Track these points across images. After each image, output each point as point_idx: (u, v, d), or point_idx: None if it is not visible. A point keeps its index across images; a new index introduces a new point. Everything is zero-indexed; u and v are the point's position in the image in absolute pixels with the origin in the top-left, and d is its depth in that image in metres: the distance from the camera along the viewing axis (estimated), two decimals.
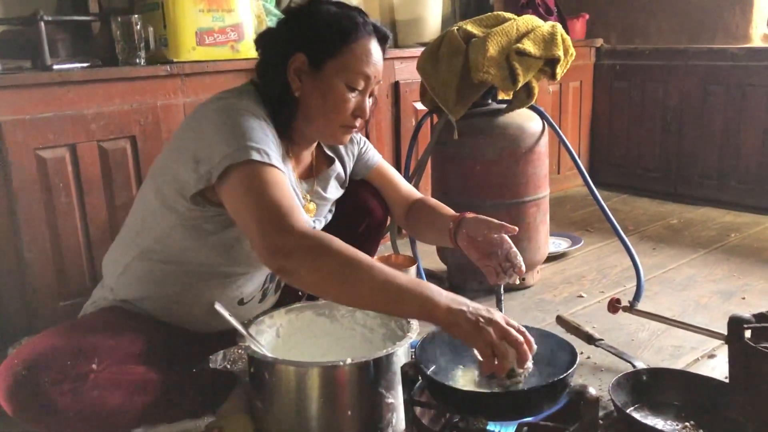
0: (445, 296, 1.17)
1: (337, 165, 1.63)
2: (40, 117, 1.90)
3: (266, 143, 1.28)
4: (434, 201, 1.71)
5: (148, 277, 1.47)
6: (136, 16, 2.12)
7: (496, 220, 1.51)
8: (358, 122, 1.45)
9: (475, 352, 1.18)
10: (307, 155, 1.57)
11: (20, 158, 1.87)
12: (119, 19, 2.09)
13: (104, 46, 2.20)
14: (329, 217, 1.63)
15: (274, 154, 1.28)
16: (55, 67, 1.98)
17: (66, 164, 1.96)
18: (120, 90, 2.04)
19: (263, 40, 1.47)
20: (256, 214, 1.21)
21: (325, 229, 1.63)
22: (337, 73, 1.38)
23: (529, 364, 1.20)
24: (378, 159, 1.75)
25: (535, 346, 1.20)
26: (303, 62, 1.38)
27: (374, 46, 1.42)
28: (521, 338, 1.16)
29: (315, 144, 1.58)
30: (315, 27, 1.40)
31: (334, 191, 1.63)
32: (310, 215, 1.53)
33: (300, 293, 1.79)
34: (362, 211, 1.70)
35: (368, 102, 1.45)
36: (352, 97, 1.41)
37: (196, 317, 1.52)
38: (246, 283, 1.52)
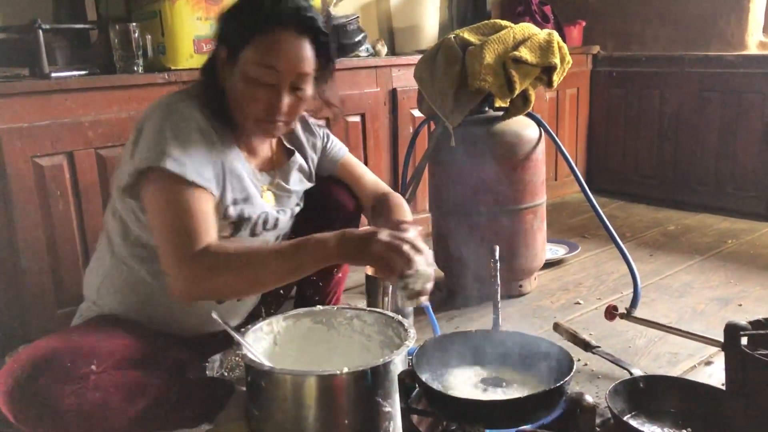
0: (332, 235, 1.26)
1: (298, 157, 1.61)
2: (37, 125, 1.90)
3: (188, 152, 1.31)
4: (396, 200, 1.67)
5: (126, 283, 1.48)
6: (134, 24, 2.12)
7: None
8: (279, 116, 1.39)
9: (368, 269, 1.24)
10: (264, 146, 1.55)
11: (18, 166, 1.87)
12: (117, 27, 2.10)
13: (102, 54, 2.21)
14: (296, 209, 1.61)
15: (193, 164, 1.31)
16: (53, 75, 1.98)
17: (63, 172, 1.96)
18: (118, 98, 2.04)
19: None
20: (161, 244, 1.31)
21: (298, 229, 1.63)
22: (246, 65, 1.35)
23: (422, 267, 1.28)
24: (344, 153, 1.72)
25: (422, 246, 1.27)
26: (224, 54, 1.39)
27: (289, 37, 1.34)
28: (403, 244, 1.23)
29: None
30: (231, 17, 1.40)
31: (298, 183, 1.61)
32: (269, 204, 1.52)
33: (281, 292, 1.79)
34: (334, 207, 1.68)
35: (290, 97, 1.38)
36: (263, 91, 1.36)
37: (179, 321, 1.53)
38: None
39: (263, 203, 1.51)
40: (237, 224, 1.46)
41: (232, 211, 1.43)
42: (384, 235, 1.26)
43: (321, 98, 1.52)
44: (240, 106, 1.39)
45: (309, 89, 1.43)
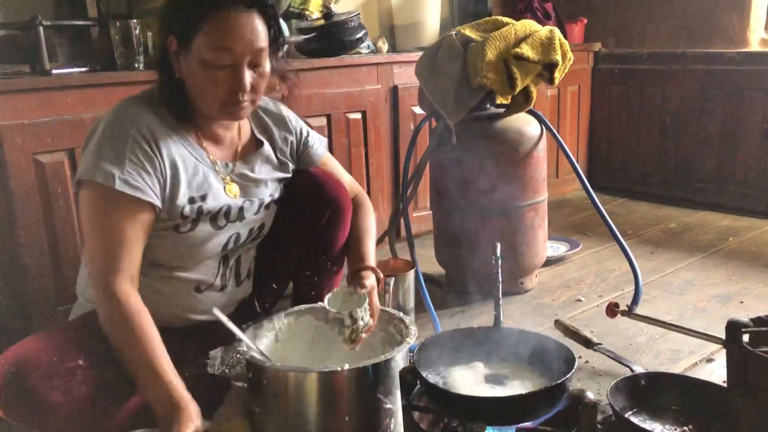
0: (163, 396, 1.27)
1: (267, 147, 1.59)
2: (38, 122, 1.90)
3: (124, 162, 1.32)
4: (363, 210, 1.72)
5: None
6: (135, 20, 2.12)
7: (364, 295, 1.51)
8: (244, 96, 1.38)
9: None
10: (229, 135, 1.53)
11: (18, 163, 1.87)
12: (118, 24, 2.09)
13: (103, 51, 2.20)
14: (267, 199, 1.58)
15: (127, 174, 1.32)
16: (54, 71, 1.98)
17: (64, 169, 1.96)
18: (119, 94, 2.01)
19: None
20: (87, 259, 1.38)
21: (289, 226, 1.65)
22: (200, 49, 1.33)
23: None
24: (323, 151, 1.72)
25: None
26: (174, 45, 1.37)
27: (237, 16, 1.33)
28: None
29: (234, 124, 1.54)
30: (174, 7, 1.38)
31: (266, 172, 1.59)
32: (232, 196, 1.50)
33: (275, 286, 1.78)
34: (323, 204, 1.65)
35: (251, 74, 1.37)
36: (222, 74, 1.34)
37: (163, 312, 1.51)
38: (195, 269, 1.51)
39: (225, 196, 1.49)
40: (195, 219, 1.45)
41: (188, 210, 1.42)
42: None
43: (275, 71, 1.48)
44: (201, 93, 1.38)
45: (267, 64, 1.41)
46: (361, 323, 1.47)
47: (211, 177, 1.47)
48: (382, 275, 1.58)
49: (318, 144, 1.70)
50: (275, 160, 1.61)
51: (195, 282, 1.53)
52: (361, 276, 1.54)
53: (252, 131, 1.59)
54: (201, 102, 1.40)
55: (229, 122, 1.51)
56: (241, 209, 1.52)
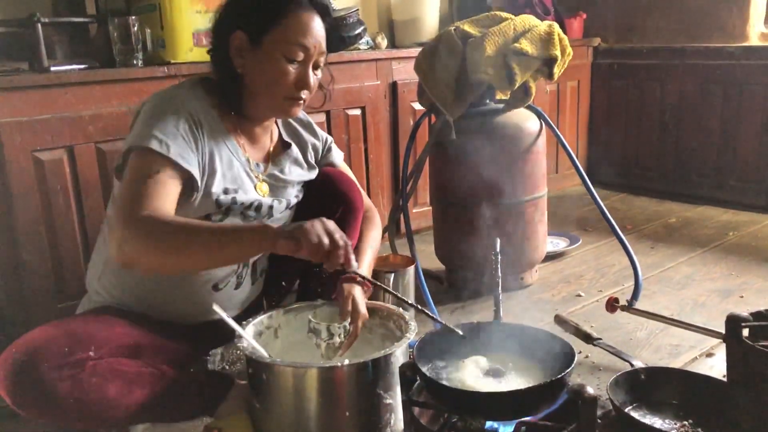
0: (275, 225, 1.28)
1: (294, 149, 1.66)
2: (37, 119, 1.90)
3: (173, 136, 1.34)
4: (371, 223, 1.75)
5: (125, 271, 1.49)
6: (133, 17, 2.12)
7: (347, 310, 1.54)
8: (304, 94, 1.47)
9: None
10: (264, 137, 1.59)
11: (18, 160, 1.87)
12: (116, 21, 2.09)
13: (101, 48, 2.20)
14: (293, 201, 1.64)
15: (176, 148, 1.33)
16: (53, 68, 1.98)
17: (64, 166, 1.96)
18: (117, 91, 2.04)
19: (213, 27, 1.52)
20: (116, 207, 1.32)
21: (302, 217, 1.64)
22: (275, 45, 1.41)
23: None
24: (338, 161, 1.78)
25: (352, 258, 1.31)
26: (243, 40, 1.43)
27: (311, 17, 1.44)
28: (339, 244, 1.26)
29: (271, 126, 1.61)
30: (250, 4, 1.44)
31: (295, 174, 1.64)
32: (262, 194, 1.55)
33: (283, 284, 1.80)
34: (338, 199, 1.70)
35: (313, 75, 1.47)
36: (292, 69, 1.43)
37: (178, 308, 1.55)
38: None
39: (256, 193, 1.54)
40: (227, 210, 1.48)
41: (223, 199, 1.46)
42: (322, 228, 1.26)
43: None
44: (266, 87, 1.44)
45: (321, 70, 1.51)
46: (336, 339, 1.54)
47: (243, 174, 1.51)
48: (370, 287, 1.62)
49: (336, 152, 1.78)
50: (303, 162, 1.68)
51: (214, 279, 1.54)
52: (351, 286, 1.58)
53: (280, 134, 1.65)
54: (264, 96, 1.46)
55: (269, 123, 1.59)
56: (270, 207, 1.56)
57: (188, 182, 1.38)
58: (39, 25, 1.99)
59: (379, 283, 1.51)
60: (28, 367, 1.25)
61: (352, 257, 1.31)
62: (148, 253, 1.24)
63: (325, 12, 1.48)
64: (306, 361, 1.49)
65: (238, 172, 1.49)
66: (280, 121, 1.66)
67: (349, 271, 1.32)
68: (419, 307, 1.46)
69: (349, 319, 1.53)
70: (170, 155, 1.32)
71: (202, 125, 1.42)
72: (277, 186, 1.60)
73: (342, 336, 1.55)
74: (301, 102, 1.49)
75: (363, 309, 1.55)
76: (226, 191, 1.46)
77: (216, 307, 1.40)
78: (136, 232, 1.23)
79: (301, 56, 1.43)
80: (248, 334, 1.49)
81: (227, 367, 1.74)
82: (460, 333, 1.43)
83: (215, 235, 1.26)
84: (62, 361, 1.27)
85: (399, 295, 1.49)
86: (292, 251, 1.24)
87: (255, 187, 1.54)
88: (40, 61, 1.99)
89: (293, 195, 1.65)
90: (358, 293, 1.57)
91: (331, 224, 1.28)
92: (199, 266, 1.40)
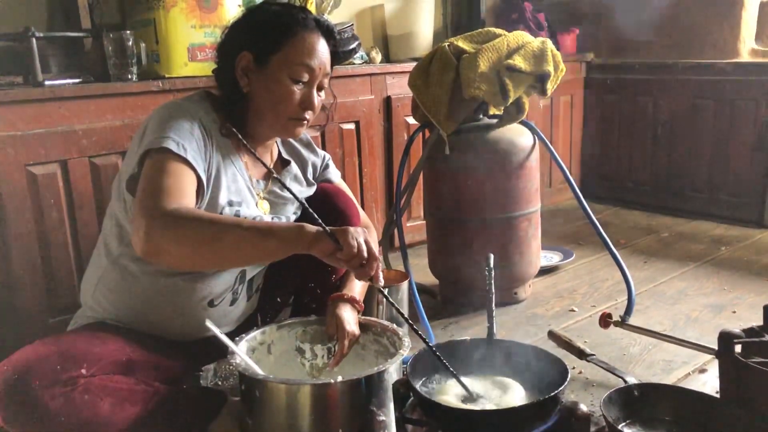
0: (314, 227, 1.24)
1: (294, 167, 1.67)
2: (31, 133, 1.89)
3: (188, 140, 1.35)
4: None
5: (120, 285, 1.49)
6: (128, 31, 2.12)
7: (332, 331, 1.57)
8: (308, 114, 1.49)
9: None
10: (265, 156, 1.60)
11: (11, 174, 1.87)
12: (111, 35, 2.09)
13: (96, 62, 2.21)
14: (292, 217, 1.64)
15: (192, 151, 1.34)
16: (47, 83, 1.98)
17: (57, 180, 1.96)
18: (112, 106, 2.04)
19: (218, 47, 1.53)
20: (137, 199, 1.29)
21: None
22: (281, 66, 1.44)
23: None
24: (336, 179, 1.80)
25: (381, 273, 1.29)
26: (249, 60, 1.45)
27: (316, 39, 1.47)
28: (375, 255, 1.26)
29: (272, 145, 1.63)
30: (258, 25, 1.47)
31: (295, 190, 1.62)
32: (264, 212, 1.56)
33: (278, 299, 1.80)
34: (332, 215, 1.69)
35: (317, 95, 1.49)
36: (298, 89, 1.45)
37: (172, 324, 1.53)
38: (213, 282, 1.52)
39: (257, 209, 1.54)
40: None
41: (228, 211, 1.45)
42: (362, 235, 1.25)
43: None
44: (271, 106, 1.46)
45: (324, 92, 1.54)
46: (319, 361, 1.57)
47: (245, 190, 1.51)
48: (361, 306, 1.63)
49: (334, 170, 1.80)
50: (303, 179, 1.69)
51: (209, 295, 1.54)
52: (337, 305, 1.59)
53: (279, 152, 1.67)
54: (269, 116, 1.48)
55: (270, 142, 1.60)
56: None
57: (199, 187, 1.39)
58: (33, 39, 1.99)
59: (392, 302, 1.43)
60: (19, 385, 1.23)
61: (381, 273, 1.30)
62: (178, 244, 1.21)
63: (330, 35, 1.51)
64: (299, 377, 1.49)
65: (242, 187, 1.50)
66: (279, 140, 1.66)
67: (375, 285, 1.29)
68: (414, 326, 1.44)
69: (334, 340, 1.53)
70: (187, 157, 1.33)
71: (211, 136, 1.43)
72: (277, 203, 1.60)
73: (325, 358, 1.56)
74: (305, 122, 1.51)
75: (351, 327, 1.55)
76: (230, 203, 1.46)
77: (209, 323, 1.40)
78: (164, 223, 1.21)
79: (306, 77, 1.45)
80: (241, 350, 1.48)
81: (220, 383, 1.73)
82: (453, 371, 1.40)
83: (249, 231, 1.23)
84: (54, 379, 1.26)
85: (403, 313, 1.46)
86: (328, 254, 1.22)
87: (256, 204, 1.54)
88: (35, 75, 1.99)
89: (292, 212, 1.65)
90: (347, 312, 1.57)
91: (368, 234, 1.28)
92: (228, 262, 1.38)
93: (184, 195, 1.30)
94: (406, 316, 1.40)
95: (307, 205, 1.39)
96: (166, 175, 1.29)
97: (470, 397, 1.35)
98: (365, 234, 1.26)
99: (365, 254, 1.23)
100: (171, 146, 1.31)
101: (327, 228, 1.23)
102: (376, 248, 1.26)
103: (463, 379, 1.41)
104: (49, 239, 1.95)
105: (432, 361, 1.44)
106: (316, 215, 1.32)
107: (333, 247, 1.22)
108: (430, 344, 1.38)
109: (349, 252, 1.21)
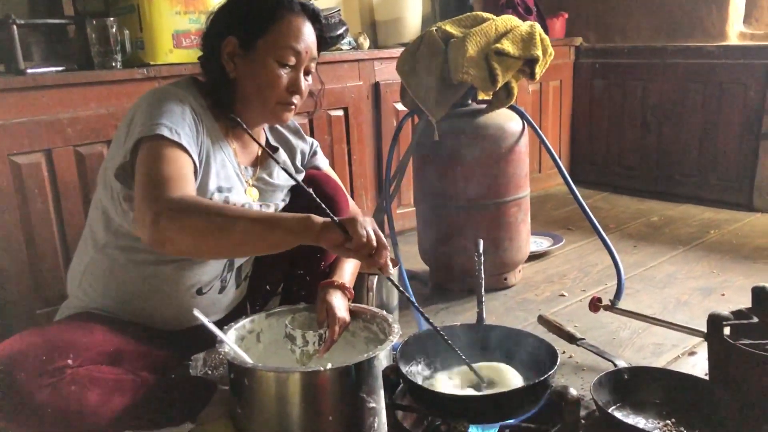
0: (320, 218, 1.22)
1: (282, 154, 1.66)
2: (14, 122, 1.87)
3: (181, 125, 1.33)
4: None
5: (107, 274, 1.47)
6: (112, 18, 2.09)
7: (322, 317, 1.57)
8: (295, 98, 1.48)
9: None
10: (253, 143, 1.59)
11: None
12: (94, 22, 2.06)
13: (79, 50, 2.18)
14: (281, 205, 1.64)
15: (185, 136, 1.33)
16: (29, 71, 1.95)
17: (42, 170, 1.93)
18: (96, 94, 2.01)
19: (203, 34, 1.51)
20: (139, 187, 1.26)
21: None
22: (267, 50, 1.42)
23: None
24: (324, 166, 1.78)
25: (390, 262, 1.27)
26: (235, 45, 1.44)
27: (302, 23, 1.45)
28: (384, 244, 1.23)
29: (260, 132, 1.61)
30: (243, 10, 1.45)
31: (283, 177, 1.64)
32: (253, 200, 1.54)
33: (267, 287, 1.79)
34: (324, 202, 1.67)
35: (304, 80, 1.48)
36: (284, 73, 1.44)
37: (160, 313, 1.52)
38: (201, 270, 1.51)
39: (246, 197, 1.53)
40: None
41: (217, 198, 1.44)
42: (371, 224, 1.24)
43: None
44: (258, 91, 1.45)
45: (311, 77, 1.51)
46: (310, 348, 1.56)
47: (234, 176, 1.50)
48: (351, 293, 1.63)
49: (322, 157, 1.78)
50: (291, 167, 1.67)
51: (198, 284, 1.53)
52: (327, 292, 1.59)
53: (267, 140, 1.65)
54: (256, 101, 1.46)
55: (258, 129, 1.58)
56: (260, 210, 1.54)
57: (194, 171, 1.37)
58: (15, 27, 1.96)
59: (402, 290, 1.42)
60: (5, 376, 1.22)
61: (390, 262, 1.28)
62: (184, 234, 1.20)
63: (316, 18, 1.49)
64: (288, 365, 1.48)
65: (231, 174, 1.49)
66: (267, 127, 1.65)
67: (384, 275, 1.27)
68: (421, 310, 1.41)
69: (325, 327, 1.53)
70: (182, 141, 1.31)
71: (202, 120, 1.42)
72: (266, 190, 1.59)
73: (316, 344, 1.55)
74: (293, 107, 1.49)
75: (341, 314, 1.54)
76: (219, 189, 1.45)
77: (197, 312, 1.39)
78: (170, 212, 1.19)
79: (293, 61, 1.44)
80: (230, 339, 1.47)
81: (209, 372, 1.72)
82: (462, 356, 1.38)
83: (256, 222, 1.22)
84: (41, 370, 1.24)
85: (414, 300, 1.43)
86: (337, 244, 1.20)
87: (245, 191, 1.53)
88: (16, 64, 1.96)
89: (281, 199, 1.65)
90: (337, 299, 1.56)
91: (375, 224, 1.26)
92: (234, 252, 1.38)
93: (186, 181, 1.28)
94: (415, 302, 1.38)
95: (311, 191, 1.36)
96: (165, 163, 1.27)
97: (479, 381, 1.35)
98: (373, 223, 1.24)
99: (374, 243, 1.21)
100: (164, 132, 1.29)
101: (336, 218, 1.21)
102: (382, 235, 1.24)
103: (456, 367, 1.41)
104: (34, 229, 1.93)
105: (422, 347, 1.44)
106: (324, 206, 1.29)
107: (342, 238, 1.20)
108: (437, 328, 1.37)
109: (359, 242, 1.19)
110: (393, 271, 1.29)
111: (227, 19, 1.46)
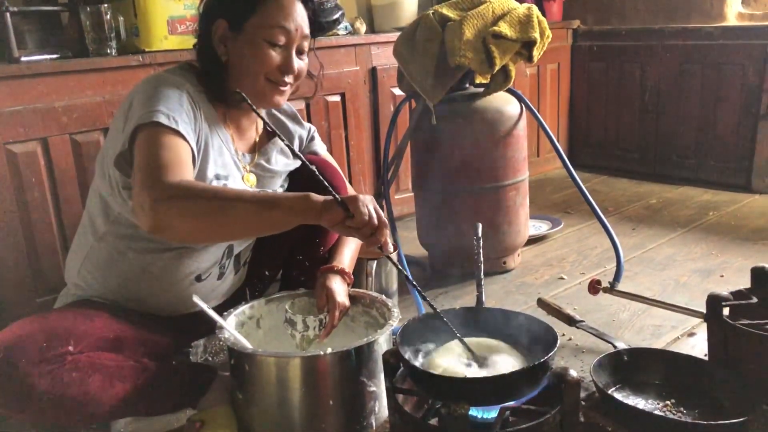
0: (321, 197, 1.22)
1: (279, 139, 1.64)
2: (9, 111, 1.86)
3: (178, 112, 1.32)
4: None
5: (106, 262, 1.47)
6: (106, 5, 2.07)
7: (322, 302, 1.57)
8: (288, 78, 1.46)
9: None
10: (250, 129, 1.58)
11: None
12: (88, 9, 2.05)
13: (74, 37, 2.16)
14: (279, 191, 1.63)
15: (183, 123, 1.32)
16: (24, 59, 1.94)
17: (38, 158, 1.93)
18: (91, 81, 2.00)
19: (198, 20, 1.51)
20: (137, 174, 1.25)
21: None
22: (256, 31, 1.41)
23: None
24: (321, 151, 1.77)
25: (390, 240, 1.27)
26: (224, 28, 1.43)
27: (292, 1, 1.44)
28: (385, 222, 1.23)
29: (256, 118, 1.59)
30: None
31: (281, 163, 1.63)
32: (250, 185, 1.54)
33: (266, 273, 1.78)
34: (319, 188, 1.68)
35: (297, 60, 1.46)
36: (275, 54, 1.43)
37: (159, 300, 1.52)
38: (201, 256, 1.51)
39: (243, 183, 1.52)
40: None
41: (215, 184, 1.43)
42: (372, 202, 1.24)
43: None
44: (249, 73, 1.43)
45: (306, 56, 1.50)
46: (311, 333, 1.55)
47: (232, 163, 1.49)
48: (351, 278, 1.63)
49: (319, 142, 1.77)
50: (288, 151, 1.65)
51: (197, 270, 1.52)
52: (327, 277, 1.58)
53: (264, 126, 1.63)
54: (248, 81, 1.44)
55: (254, 114, 1.55)
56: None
57: (192, 158, 1.36)
58: (8, 14, 1.95)
59: (401, 268, 1.42)
60: (5, 364, 1.22)
61: (391, 240, 1.28)
62: (184, 218, 1.19)
63: None
64: (288, 350, 1.48)
65: (228, 161, 1.48)
66: (264, 112, 1.63)
67: (384, 254, 1.27)
68: (422, 291, 1.41)
69: (325, 312, 1.53)
70: (179, 128, 1.30)
71: (199, 107, 1.41)
72: (264, 176, 1.59)
73: (317, 329, 1.55)
74: (285, 88, 1.47)
75: (341, 299, 1.54)
76: (217, 176, 1.44)
77: (196, 299, 1.39)
78: (168, 198, 1.18)
79: (282, 40, 1.42)
80: (230, 325, 1.47)
81: (210, 359, 1.73)
82: (459, 336, 1.39)
83: (256, 201, 1.22)
84: (41, 357, 1.24)
85: (411, 279, 1.44)
86: (338, 222, 1.19)
87: (242, 178, 1.52)
88: (10, 52, 1.94)
89: (278, 185, 1.64)
90: (336, 283, 1.56)
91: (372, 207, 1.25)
92: (235, 234, 1.37)
93: (184, 167, 1.27)
94: (413, 281, 1.38)
95: (318, 172, 1.34)
96: (162, 149, 1.26)
97: (476, 360, 1.35)
98: (373, 201, 1.24)
99: (375, 222, 1.21)
100: (162, 119, 1.28)
101: (337, 196, 1.21)
102: (383, 213, 1.24)
103: (454, 346, 1.41)
104: (31, 218, 1.93)
105: (422, 331, 1.44)
106: (326, 183, 1.28)
107: (343, 216, 1.19)
108: (435, 307, 1.37)
109: (361, 220, 1.19)
110: (393, 250, 1.29)
111: (217, 2, 1.45)
